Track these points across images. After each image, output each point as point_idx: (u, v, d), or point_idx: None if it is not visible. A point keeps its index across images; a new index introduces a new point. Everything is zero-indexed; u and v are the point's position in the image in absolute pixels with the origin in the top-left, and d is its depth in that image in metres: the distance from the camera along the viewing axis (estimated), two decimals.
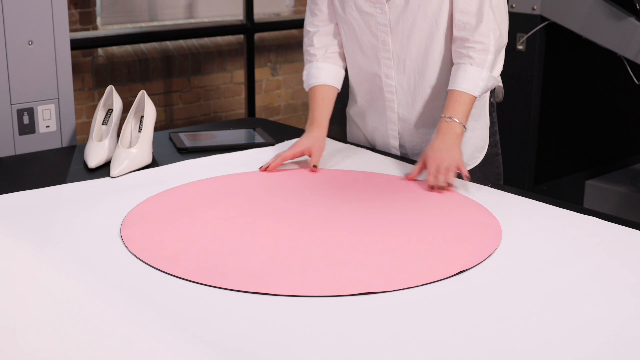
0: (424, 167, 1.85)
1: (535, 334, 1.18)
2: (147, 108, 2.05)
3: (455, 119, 1.87)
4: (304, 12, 4.50)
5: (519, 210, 1.68)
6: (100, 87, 3.86)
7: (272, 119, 4.43)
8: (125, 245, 1.48)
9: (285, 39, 4.49)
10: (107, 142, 2.00)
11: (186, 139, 2.18)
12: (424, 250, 1.48)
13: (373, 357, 1.12)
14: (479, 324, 1.21)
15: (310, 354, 1.13)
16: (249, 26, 3.90)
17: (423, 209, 1.69)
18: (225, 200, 1.72)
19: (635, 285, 1.34)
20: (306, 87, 2.09)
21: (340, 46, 2.07)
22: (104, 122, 2.11)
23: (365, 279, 1.35)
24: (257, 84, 4.33)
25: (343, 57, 2.09)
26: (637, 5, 3.09)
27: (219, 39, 4.22)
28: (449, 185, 1.79)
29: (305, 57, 2.11)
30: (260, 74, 4.37)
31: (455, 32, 1.92)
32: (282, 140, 2.18)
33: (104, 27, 3.92)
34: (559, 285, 1.34)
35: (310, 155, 1.95)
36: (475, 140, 2.05)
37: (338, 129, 2.33)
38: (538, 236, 1.55)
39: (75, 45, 3.40)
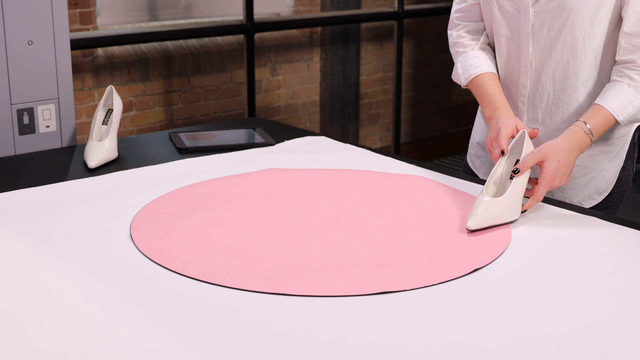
0: (537, 164, 1.65)
1: (536, 333, 1.18)
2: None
3: (592, 137, 1.68)
4: (304, 12, 4.50)
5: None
6: (100, 87, 3.86)
7: (272, 119, 4.43)
8: (135, 246, 1.48)
9: (285, 39, 4.48)
10: (107, 142, 2.00)
11: (186, 139, 2.18)
12: (436, 249, 1.47)
13: (380, 358, 1.12)
14: (493, 322, 1.21)
15: (315, 355, 1.12)
16: (249, 26, 3.90)
17: (431, 208, 1.69)
18: (234, 201, 1.71)
19: (636, 286, 1.34)
20: (464, 79, 1.89)
21: (487, 39, 1.92)
22: (104, 122, 2.11)
23: (376, 278, 1.34)
24: (257, 84, 4.33)
25: (493, 50, 1.92)
26: None
27: (219, 39, 4.21)
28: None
29: (455, 48, 1.94)
30: (260, 74, 4.37)
31: (620, 56, 1.73)
32: (282, 140, 2.18)
33: (104, 27, 3.92)
34: (558, 285, 1.34)
35: (517, 130, 1.72)
36: (599, 182, 1.88)
37: (338, 129, 2.33)
38: (538, 236, 1.55)
39: (75, 45, 3.40)
